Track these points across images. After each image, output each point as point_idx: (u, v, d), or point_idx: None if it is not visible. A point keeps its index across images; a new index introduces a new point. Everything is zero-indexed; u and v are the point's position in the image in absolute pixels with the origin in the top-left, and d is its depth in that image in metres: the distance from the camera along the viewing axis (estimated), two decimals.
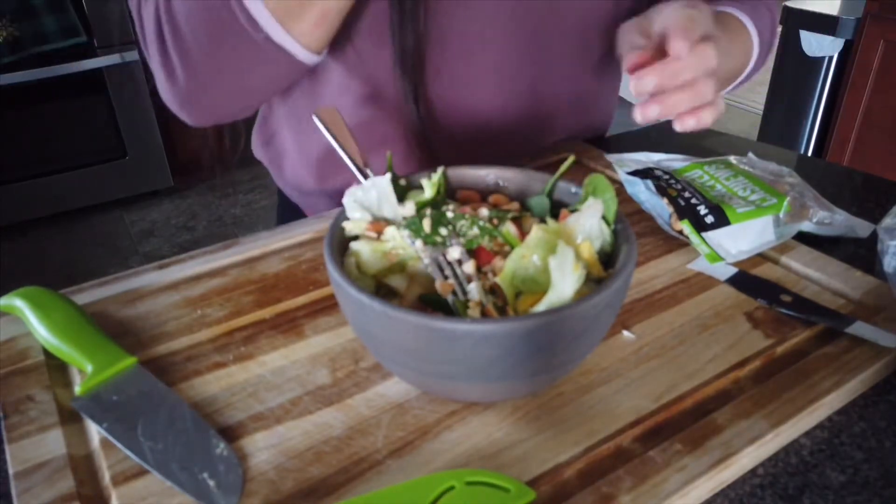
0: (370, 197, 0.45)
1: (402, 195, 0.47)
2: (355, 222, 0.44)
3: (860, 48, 2.05)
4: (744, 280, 0.55)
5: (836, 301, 0.53)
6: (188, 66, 0.58)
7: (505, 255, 0.41)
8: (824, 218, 0.61)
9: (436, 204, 0.46)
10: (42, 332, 0.47)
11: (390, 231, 0.43)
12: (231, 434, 0.42)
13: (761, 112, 2.48)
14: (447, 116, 0.70)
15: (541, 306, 0.37)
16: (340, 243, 0.43)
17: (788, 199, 0.60)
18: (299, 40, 0.57)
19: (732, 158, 0.70)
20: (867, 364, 0.46)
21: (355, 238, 0.44)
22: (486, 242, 0.42)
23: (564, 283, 0.37)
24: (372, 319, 0.38)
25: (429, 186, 0.47)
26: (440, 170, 0.48)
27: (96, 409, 0.42)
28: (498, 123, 0.73)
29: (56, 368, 0.47)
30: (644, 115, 0.50)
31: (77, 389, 0.44)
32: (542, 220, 0.44)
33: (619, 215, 0.43)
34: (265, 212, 2.40)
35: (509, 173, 0.50)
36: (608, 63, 0.76)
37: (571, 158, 0.48)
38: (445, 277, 0.41)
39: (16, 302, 0.50)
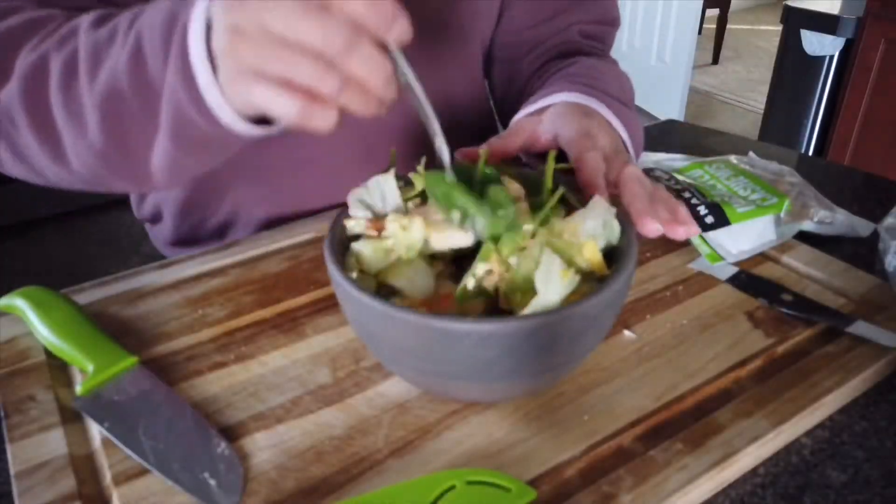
0: (374, 196, 0.45)
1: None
2: (356, 221, 0.44)
3: (861, 47, 2.05)
4: (744, 279, 0.55)
5: (838, 300, 0.52)
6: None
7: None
8: (825, 217, 0.61)
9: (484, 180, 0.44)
10: (43, 331, 0.47)
11: (392, 227, 0.43)
12: (232, 433, 0.42)
13: (762, 111, 2.48)
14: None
15: (526, 311, 0.37)
16: (341, 243, 0.43)
17: (789, 198, 0.60)
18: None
19: (733, 158, 0.70)
20: (868, 363, 0.45)
21: (356, 238, 0.44)
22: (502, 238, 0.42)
23: (549, 292, 0.37)
24: (373, 319, 0.38)
25: (419, 180, 0.46)
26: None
27: (97, 408, 0.42)
28: None
29: (57, 368, 0.47)
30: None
31: (78, 389, 0.44)
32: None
33: (620, 215, 0.43)
34: None
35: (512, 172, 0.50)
36: None
37: (552, 153, 0.48)
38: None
39: (17, 302, 0.50)
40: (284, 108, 0.35)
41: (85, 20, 0.43)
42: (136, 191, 0.48)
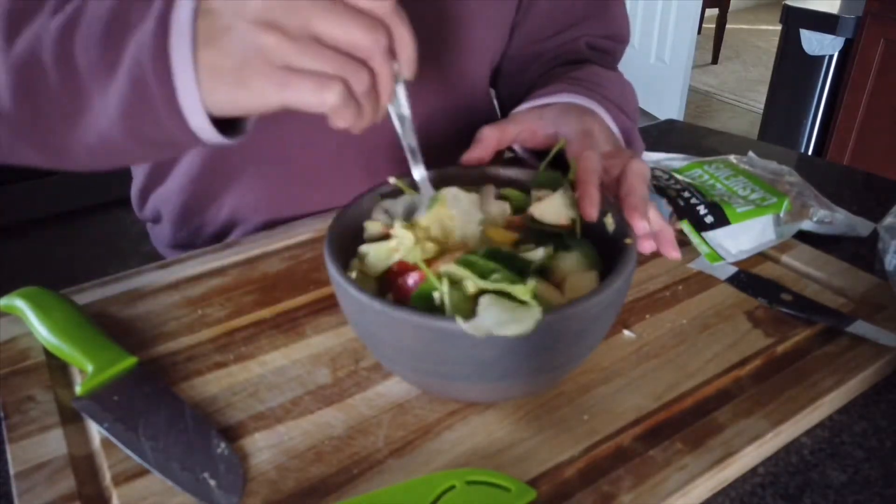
0: (397, 207, 0.46)
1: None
2: (374, 223, 0.45)
3: (861, 47, 2.05)
4: (744, 279, 0.55)
5: (837, 300, 0.52)
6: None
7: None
8: (825, 217, 0.61)
9: None
10: (43, 332, 0.47)
11: (399, 231, 0.42)
12: (232, 434, 0.42)
13: (761, 111, 2.48)
14: None
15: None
16: (341, 243, 0.43)
17: (789, 198, 0.60)
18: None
19: (733, 158, 0.70)
20: (868, 363, 0.46)
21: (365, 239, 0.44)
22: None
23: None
24: (372, 319, 0.38)
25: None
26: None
27: (97, 409, 0.42)
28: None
29: (57, 368, 0.47)
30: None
31: (78, 389, 0.44)
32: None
33: (619, 215, 0.43)
34: None
35: (498, 170, 0.50)
36: None
37: (563, 141, 0.49)
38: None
39: (16, 302, 0.50)
40: (327, 98, 0.36)
41: None
42: (51, 165, 0.45)
